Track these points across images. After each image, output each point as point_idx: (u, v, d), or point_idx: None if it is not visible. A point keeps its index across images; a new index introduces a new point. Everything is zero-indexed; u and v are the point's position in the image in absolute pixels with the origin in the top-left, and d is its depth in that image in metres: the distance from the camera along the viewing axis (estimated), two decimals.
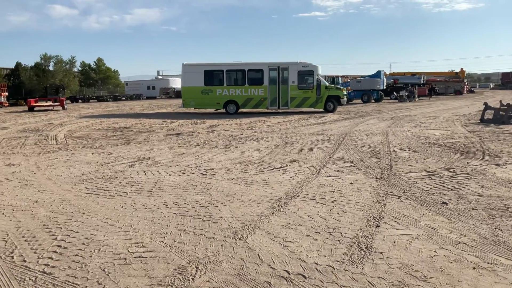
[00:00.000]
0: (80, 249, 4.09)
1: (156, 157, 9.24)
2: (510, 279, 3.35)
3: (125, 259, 3.85)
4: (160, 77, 64.43)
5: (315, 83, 22.19)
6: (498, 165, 7.73)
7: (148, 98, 54.61)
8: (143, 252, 4.01)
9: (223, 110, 23.12)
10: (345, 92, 23.62)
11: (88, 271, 3.61)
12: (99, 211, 5.33)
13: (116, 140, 12.53)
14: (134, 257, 3.90)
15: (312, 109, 23.13)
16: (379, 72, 36.28)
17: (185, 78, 23.22)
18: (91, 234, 4.51)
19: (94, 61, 76.50)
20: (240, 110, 23.17)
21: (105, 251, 4.04)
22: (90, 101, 49.63)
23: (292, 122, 17.30)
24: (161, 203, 5.63)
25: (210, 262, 3.75)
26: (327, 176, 7.10)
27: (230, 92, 22.61)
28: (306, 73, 22.17)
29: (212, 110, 24.26)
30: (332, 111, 22.51)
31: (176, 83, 57.49)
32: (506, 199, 5.55)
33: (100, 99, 51.01)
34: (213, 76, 22.86)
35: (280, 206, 5.40)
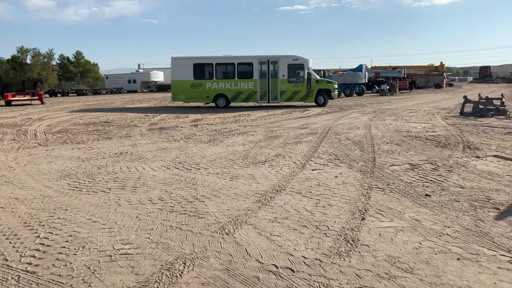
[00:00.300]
0: (64, 247, 4.00)
1: (139, 152, 9.12)
2: (493, 269, 3.43)
3: (111, 256, 3.79)
4: (141, 70, 63.57)
5: (306, 77, 21.97)
6: (478, 157, 7.90)
7: (129, 92, 53.83)
8: (129, 248, 3.95)
9: (212, 104, 22.93)
10: (336, 86, 23.31)
11: (73, 269, 3.54)
12: (82, 208, 5.23)
13: (97, 134, 12.31)
14: (120, 254, 3.84)
15: (302, 103, 22.97)
16: (361, 66, 36.59)
17: (175, 72, 23.01)
18: (74, 231, 4.43)
19: (73, 54, 75.06)
20: (231, 104, 23.04)
21: (89, 249, 3.96)
22: (70, 95, 48.62)
23: (276, 116, 17.31)
24: (145, 199, 5.56)
25: (197, 257, 3.73)
26: (312, 170, 7.13)
27: (219, 85, 22.42)
28: (297, 67, 21.98)
29: (200, 104, 24.11)
30: (323, 105, 22.30)
31: (158, 77, 56.86)
32: (487, 190, 5.68)
33: (79, 93, 50.03)
34: (202, 69, 22.66)
35: (266, 200, 5.39)
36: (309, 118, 16.17)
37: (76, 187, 6.23)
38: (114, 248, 3.97)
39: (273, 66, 22.01)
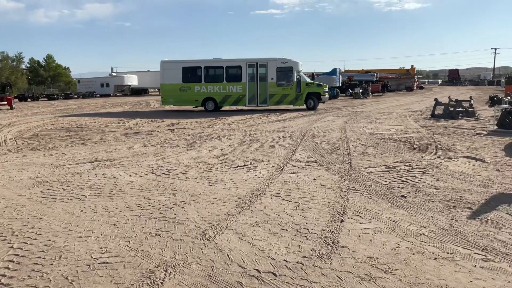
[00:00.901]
0: (40, 257, 3.88)
1: (114, 158, 8.96)
2: (468, 268, 3.54)
3: (89, 265, 3.71)
4: (114, 74, 62.44)
5: (295, 80, 21.66)
6: (450, 158, 8.14)
7: (101, 96, 52.77)
8: (108, 257, 3.87)
9: (202, 108, 22.69)
10: (326, 89, 22.94)
11: (50, 280, 3.44)
12: (57, 216, 5.09)
13: (71, 140, 12.02)
14: (99, 263, 3.75)
15: (292, 107, 22.53)
16: (335, 69, 37.15)
17: (164, 75, 22.85)
18: (50, 240, 4.30)
19: (44, 58, 73.22)
20: (223, 108, 22.84)
21: (66, 258, 3.86)
22: (40, 99, 47.28)
23: (253, 120, 17.35)
24: (123, 206, 5.46)
25: (178, 264, 3.69)
26: (291, 173, 7.18)
27: (208, 89, 22.23)
28: (286, 69, 21.72)
29: (180, 108, 23.95)
30: (313, 108, 21.92)
31: (132, 80, 55.99)
32: (459, 190, 5.86)
33: (50, 97, 48.70)
34: (191, 73, 22.45)
35: (246, 205, 5.39)
36: (286, 122, 16.28)
37: (50, 195, 6.06)
38: (92, 257, 3.88)
39: (262, 69, 21.78)
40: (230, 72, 22.23)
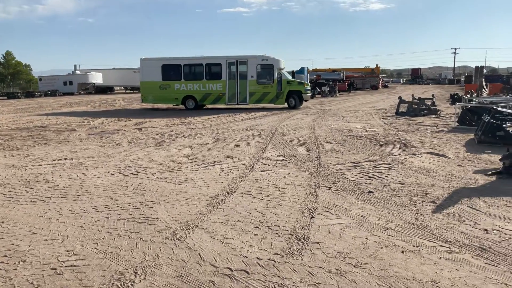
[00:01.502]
0: (3, 262, 3.72)
1: (79, 158, 8.70)
2: (434, 260, 3.67)
3: (55, 269, 3.59)
4: (78, 71, 60.53)
5: (276, 78, 21.26)
6: (414, 154, 8.41)
7: (65, 94, 51.02)
8: (75, 260, 3.76)
9: (182, 106, 22.33)
10: (308, 87, 22.46)
11: (14, 285, 3.31)
12: (21, 219, 4.89)
13: (33, 140, 11.57)
14: (65, 266, 3.64)
15: (272, 105, 22.22)
16: (302, 68, 37.51)
17: (144, 73, 22.49)
18: (13, 244, 4.13)
19: (2, 55, 70.06)
20: (208, 106, 22.53)
21: (31, 262, 3.72)
22: None
23: (223, 118, 17.28)
24: (90, 207, 5.32)
25: (149, 265, 3.63)
26: (261, 171, 7.21)
27: (188, 87, 21.89)
28: (266, 67, 21.38)
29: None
30: (294, 107, 21.50)
31: (96, 78, 54.46)
32: (424, 185, 6.06)
33: (10, 96, 46.60)
34: (170, 70, 22.08)
35: (217, 203, 5.37)
36: (256, 120, 16.32)
37: (12, 197, 5.82)
38: (58, 260, 3.76)
39: (242, 66, 21.43)
40: (210, 70, 21.97)
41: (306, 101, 22.66)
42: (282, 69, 22.03)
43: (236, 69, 21.53)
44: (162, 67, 22.13)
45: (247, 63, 21.41)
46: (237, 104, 21.91)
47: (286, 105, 21.86)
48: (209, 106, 22.93)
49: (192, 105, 22.08)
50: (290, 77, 22.16)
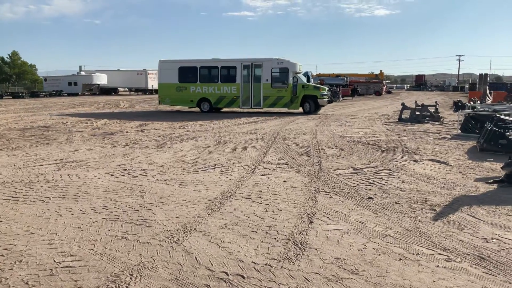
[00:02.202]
0: None
1: (81, 159, 8.71)
2: (431, 268, 3.64)
3: (51, 269, 3.58)
4: (82, 72, 60.87)
5: (291, 82, 20.60)
6: (416, 161, 8.37)
7: (69, 95, 51.27)
8: (71, 261, 3.75)
9: (197, 109, 22.33)
10: (324, 92, 21.36)
11: (9, 285, 3.30)
12: (19, 219, 4.89)
13: (35, 140, 11.61)
14: (61, 267, 3.63)
15: (286, 110, 21.43)
16: (306, 73, 37.50)
17: (161, 75, 22.68)
18: (10, 244, 4.13)
19: (8, 54, 70.52)
20: (223, 109, 22.40)
21: (27, 262, 3.72)
22: (4, 97, 45.49)
23: (225, 121, 17.29)
24: (88, 208, 5.32)
25: (145, 268, 3.62)
26: (262, 175, 7.19)
27: (203, 89, 21.87)
28: (281, 70, 20.88)
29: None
30: (309, 112, 20.76)
31: (101, 79, 54.73)
32: (424, 192, 6.03)
33: (15, 95, 46.92)
34: (187, 73, 22.13)
35: (216, 207, 5.36)
36: (258, 123, 16.31)
37: (12, 197, 5.83)
38: (54, 261, 3.75)
39: (257, 70, 21.07)
40: (225, 73, 21.80)
41: (322, 106, 21.71)
42: (299, 72, 21.32)
43: (251, 72, 21.18)
44: (179, 69, 22.19)
45: (262, 66, 20.96)
46: (251, 108, 21.50)
47: (301, 110, 21.19)
48: (225, 109, 22.68)
49: (207, 108, 22.00)
50: (305, 81, 21.37)
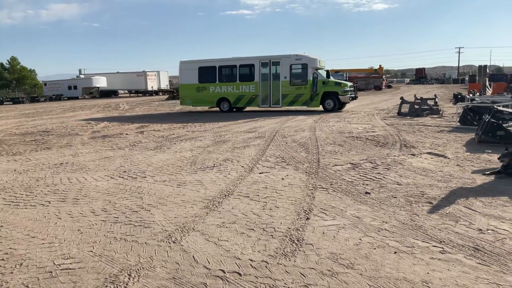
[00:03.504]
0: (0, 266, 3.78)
1: (80, 162, 8.77)
2: (426, 260, 3.68)
3: (51, 272, 3.64)
4: (82, 76, 61.00)
5: (310, 78, 19.78)
6: (414, 155, 8.40)
7: (69, 98, 51.44)
8: (70, 263, 3.81)
9: (217, 109, 22.25)
10: (346, 88, 20.09)
11: None
12: (19, 223, 4.95)
13: (36, 145, 11.68)
14: (61, 269, 3.69)
15: (306, 108, 20.56)
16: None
17: (182, 76, 22.73)
18: (11, 248, 4.19)
19: (8, 60, 70.85)
20: (246, 108, 22.23)
21: (27, 266, 3.77)
22: (5, 103, 45.69)
23: (224, 120, 17.32)
24: (88, 211, 5.37)
25: (143, 268, 3.67)
26: (260, 173, 7.23)
27: (222, 89, 21.69)
28: (300, 67, 20.11)
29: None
30: (332, 110, 19.80)
31: (100, 82, 54.85)
32: (421, 186, 6.06)
33: (15, 101, 47.13)
34: (206, 73, 21.98)
35: (214, 206, 5.41)
36: (257, 122, 16.35)
37: (13, 202, 5.89)
38: (54, 263, 3.81)
39: (275, 67, 20.48)
40: (243, 71, 21.33)
41: (345, 103, 20.40)
42: (319, 68, 20.45)
43: (269, 69, 20.62)
44: (199, 70, 22.12)
45: (280, 63, 20.36)
46: (270, 106, 20.94)
47: (321, 108, 20.21)
48: (247, 108, 22.39)
49: (227, 108, 21.78)
50: (325, 77, 20.28)
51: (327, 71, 21.01)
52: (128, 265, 3.73)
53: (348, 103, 20.80)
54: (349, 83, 21.20)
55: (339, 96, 19.83)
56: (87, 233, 4.58)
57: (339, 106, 20.14)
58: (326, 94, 19.90)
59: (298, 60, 20.19)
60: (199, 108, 24.37)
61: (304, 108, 20.96)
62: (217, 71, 21.83)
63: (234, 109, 22.01)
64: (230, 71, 21.98)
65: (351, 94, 20.48)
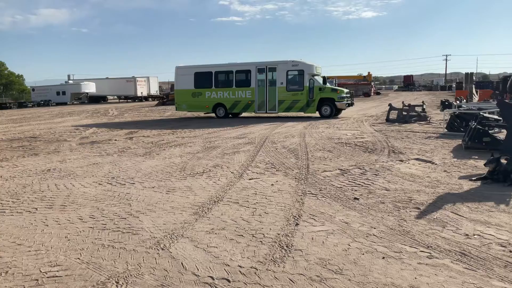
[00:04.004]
0: None
1: (68, 168, 8.68)
2: (414, 265, 3.71)
3: (37, 280, 3.59)
4: (71, 81, 60.46)
5: (307, 84, 19.84)
6: (402, 161, 8.48)
7: (58, 104, 50.93)
8: (57, 271, 3.76)
9: (213, 114, 22.12)
10: (343, 94, 20.14)
11: None
12: (5, 231, 4.88)
13: (23, 151, 11.54)
14: (47, 277, 3.64)
15: (302, 114, 20.48)
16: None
17: (178, 81, 22.60)
18: None
19: None
20: (242, 114, 22.19)
21: (13, 274, 3.72)
22: None
23: (215, 126, 17.31)
24: (75, 218, 5.32)
25: (131, 275, 3.64)
26: (249, 179, 7.24)
27: (218, 94, 21.56)
28: (296, 73, 20.21)
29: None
30: (329, 116, 19.72)
31: (89, 88, 54.45)
32: (409, 191, 6.12)
33: (2, 106, 46.46)
34: (202, 78, 21.88)
35: (203, 212, 5.39)
36: (247, 128, 16.37)
37: None
38: (41, 271, 3.76)
39: (272, 73, 20.53)
40: (239, 77, 21.30)
41: (342, 110, 20.38)
42: (316, 74, 20.49)
43: (266, 75, 20.65)
44: (195, 75, 22.03)
45: (276, 69, 20.39)
46: (266, 112, 20.90)
47: (317, 114, 20.16)
48: (243, 114, 22.34)
49: (223, 113, 21.63)
50: (321, 84, 20.15)
51: (324, 78, 20.85)
52: (116, 272, 3.70)
53: (345, 109, 20.74)
54: (346, 90, 21.20)
55: (335, 103, 19.85)
56: (74, 240, 4.53)
57: (335, 112, 20.15)
58: (323, 100, 19.95)
59: (294, 66, 20.26)
60: (189, 114, 24.34)
61: (295, 114, 21.08)
62: (213, 76, 21.81)
63: (230, 115, 21.96)
64: (227, 77, 21.96)
65: (347, 101, 20.48)
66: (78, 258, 4.02)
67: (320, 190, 6.35)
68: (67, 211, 5.60)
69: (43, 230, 4.88)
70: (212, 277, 3.56)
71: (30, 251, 4.25)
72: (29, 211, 5.64)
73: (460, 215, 5.02)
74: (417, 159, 8.64)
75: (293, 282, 3.44)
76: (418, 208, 5.33)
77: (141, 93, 54.08)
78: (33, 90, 57.95)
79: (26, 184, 7.33)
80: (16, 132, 17.05)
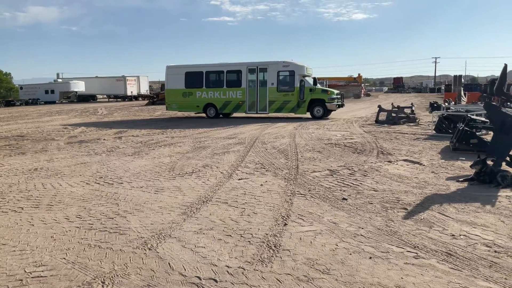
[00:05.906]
0: None
1: (56, 168, 8.58)
2: (400, 265, 3.73)
3: (21, 280, 3.54)
4: (60, 80, 59.83)
5: (297, 85, 19.91)
6: (390, 162, 8.54)
7: (46, 103, 50.37)
8: (42, 271, 3.71)
9: (203, 114, 21.95)
10: (333, 95, 20.20)
11: None
12: None
13: (10, 150, 11.38)
14: (32, 277, 3.59)
15: (293, 115, 20.58)
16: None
17: (168, 81, 22.48)
18: None
19: None
20: (233, 114, 22.03)
21: None
22: None
23: (205, 126, 17.26)
24: (62, 217, 5.25)
25: (117, 275, 3.60)
26: (239, 179, 7.23)
27: (209, 94, 21.48)
28: (287, 74, 20.26)
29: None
30: (320, 117, 19.80)
31: (79, 87, 53.94)
32: (397, 192, 6.17)
33: None
34: (193, 78, 21.77)
35: (192, 212, 5.37)
36: (237, 128, 16.35)
37: None
38: (25, 271, 3.71)
39: (262, 73, 20.54)
40: (230, 77, 21.30)
41: (332, 111, 20.51)
42: (307, 75, 20.59)
43: (257, 76, 20.64)
44: (186, 75, 21.92)
45: (267, 70, 20.41)
46: (257, 113, 20.89)
47: (308, 115, 20.25)
48: (234, 114, 22.26)
49: (213, 113, 21.57)
50: (312, 85, 20.28)
51: (314, 79, 20.94)
52: (102, 272, 3.66)
53: (335, 110, 20.82)
54: (336, 91, 21.20)
55: (326, 104, 19.95)
56: (60, 240, 4.47)
57: (325, 113, 20.23)
58: (313, 101, 20.03)
59: (285, 67, 20.31)
60: (179, 114, 24.24)
61: (286, 114, 21.11)
62: (204, 76, 21.73)
63: (221, 115, 21.88)
64: (217, 77, 21.89)
65: (337, 102, 20.51)
66: (64, 258, 3.97)
67: (309, 190, 6.36)
68: (54, 211, 5.53)
69: (28, 229, 4.82)
70: (199, 277, 3.55)
71: (14, 251, 4.19)
72: (15, 211, 5.57)
73: (446, 216, 5.06)
74: (405, 160, 8.71)
75: (280, 282, 3.44)
76: (406, 209, 5.37)
77: (131, 92, 53.74)
78: (21, 88, 57.22)
79: (12, 183, 7.23)
80: (3, 131, 16.81)
